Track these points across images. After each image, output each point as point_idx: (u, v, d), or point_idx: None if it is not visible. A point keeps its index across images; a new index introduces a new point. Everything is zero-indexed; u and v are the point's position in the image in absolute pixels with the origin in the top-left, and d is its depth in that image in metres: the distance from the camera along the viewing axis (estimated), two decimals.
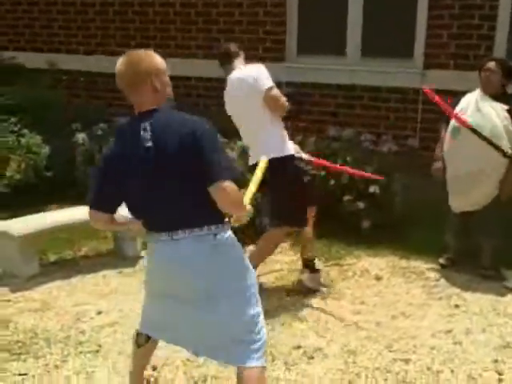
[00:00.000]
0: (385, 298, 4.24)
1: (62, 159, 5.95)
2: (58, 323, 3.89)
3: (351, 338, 3.74)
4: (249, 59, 4.26)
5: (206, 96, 6.86)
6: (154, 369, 3.43)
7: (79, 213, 4.54)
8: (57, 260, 4.87)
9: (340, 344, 3.68)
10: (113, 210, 2.61)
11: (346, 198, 5.00)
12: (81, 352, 3.57)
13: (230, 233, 2.63)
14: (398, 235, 5.14)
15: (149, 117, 2.48)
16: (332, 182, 5.05)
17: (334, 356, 3.56)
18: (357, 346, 3.66)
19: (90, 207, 2.59)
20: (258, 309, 2.71)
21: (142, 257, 4.83)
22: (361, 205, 4.97)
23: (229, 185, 2.42)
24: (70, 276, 4.57)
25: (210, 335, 2.64)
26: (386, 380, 3.35)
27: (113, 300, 4.20)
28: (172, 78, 2.63)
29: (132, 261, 4.78)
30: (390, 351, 3.62)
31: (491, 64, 4.35)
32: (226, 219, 2.61)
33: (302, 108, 6.18)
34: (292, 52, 6.65)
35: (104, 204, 2.58)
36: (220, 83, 4.38)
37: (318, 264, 4.56)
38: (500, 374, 3.40)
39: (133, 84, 2.50)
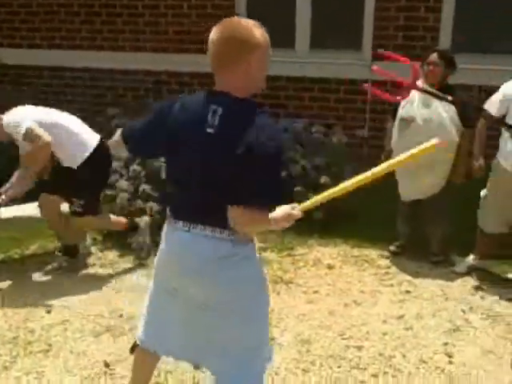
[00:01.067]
0: (337, 287, 4.28)
1: (3, 157, 5.77)
2: (5, 323, 3.79)
3: (305, 328, 3.76)
4: None
5: None
6: (107, 365, 3.38)
7: (27, 210, 4.44)
8: (4, 259, 4.74)
9: (294, 333, 3.69)
10: (134, 148, 2.54)
11: (298, 188, 5.01)
12: (30, 352, 3.49)
13: (252, 246, 2.42)
14: (350, 224, 5.19)
15: (225, 101, 2.22)
16: (283, 173, 5.04)
17: (288, 345, 3.57)
18: (310, 335, 3.68)
19: (122, 133, 2.51)
20: (262, 336, 2.57)
21: (92, 253, 4.76)
22: (312, 196, 4.97)
23: (266, 212, 2.22)
24: (18, 275, 4.45)
25: (209, 349, 2.49)
26: (339, 367, 3.38)
27: (62, 298, 4.11)
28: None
29: (80, 258, 4.68)
30: (343, 339, 3.65)
31: (433, 56, 4.40)
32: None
33: None
34: None
35: (133, 138, 2.48)
36: None
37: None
38: (450, 356, 3.47)
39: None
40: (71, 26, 7.15)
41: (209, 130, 2.20)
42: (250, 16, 6.62)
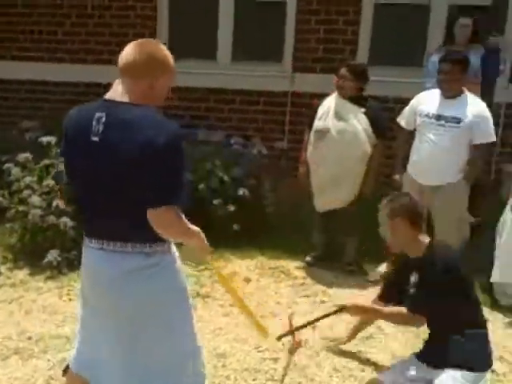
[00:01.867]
0: (254, 299, 4.26)
1: None
2: None
3: (220, 342, 3.73)
4: None
5: None
6: None
7: None
8: None
9: (209, 348, 3.65)
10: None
11: (216, 201, 4.99)
12: None
13: (171, 256, 2.38)
14: (267, 237, 5.20)
15: (111, 107, 2.19)
16: (201, 185, 5.02)
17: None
18: (226, 349, 3.65)
19: None
20: (188, 348, 2.47)
21: (1, 273, 4.58)
22: (231, 208, 4.98)
23: (168, 212, 2.16)
24: None
25: (128, 371, 2.38)
26: (254, 380, 3.37)
27: None
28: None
29: None
30: (259, 351, 3.64)
31: (343, 70, 4.48)
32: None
33: None
34: None
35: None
36: None
37: None
38: (363, 363, 3.51)
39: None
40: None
41: (94, 139, 2.17)
42: (172, 25, 6.60)
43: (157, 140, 2.07)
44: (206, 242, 2.49)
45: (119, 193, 2.17)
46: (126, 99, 2.21)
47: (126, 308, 2.32)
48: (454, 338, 2.97)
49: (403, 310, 3.07)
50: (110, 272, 2.29)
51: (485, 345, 3.07)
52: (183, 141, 2.18)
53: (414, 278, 3.12)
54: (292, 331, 3.49)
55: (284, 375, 3.42)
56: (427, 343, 3.18)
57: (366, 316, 3.46)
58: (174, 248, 2.44)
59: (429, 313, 3.00)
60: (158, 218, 2.15)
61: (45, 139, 4.85)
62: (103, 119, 2.16)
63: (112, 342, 2.38)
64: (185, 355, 2.46)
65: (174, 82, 2.35)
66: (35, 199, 4.62)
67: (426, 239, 3.14)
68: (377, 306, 3.28)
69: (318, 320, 3.51)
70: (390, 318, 3.28)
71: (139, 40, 2.30)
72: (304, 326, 3.51)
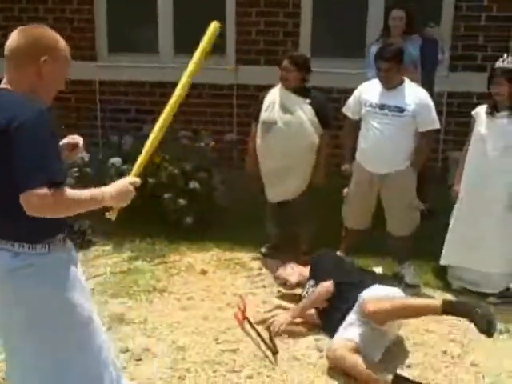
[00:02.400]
0: (211, 292, 4.28)
1: None
2: None
3: (179, 335, 3.73)
4: None
5: None
6: None
7: None
8: None
9: (168, 342, 3.65)
10: None
11: (167, 195, 4.97)
12: None
13: (46, 259, 2.17)
14: (221, 229, 5.21)
15: None
16: (151, 180, 4.99)
17: (163, 354, 3.52)
18: (185, 342, 3.65)
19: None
20: (67, 373, 2.24)
21: None
22: (182, 201, 4.97)
23: (37, 194, 1.98)
24: None
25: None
26: (215, 372, 3.38)
27: None
28: None
29: None
30: (218, 343, 3.66)
31: (285, 62, 4.52)
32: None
33: None
34: (103, 50, 6.49)
35: None
36: None
37: None
38: (321, 351, 3.57)
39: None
40: None
41: None
42: (110, 19, 6.53)
43: (20, 116, 2.01)
44: (124, 186, 2.32)
45: None
46: (14, 88, 2.15)
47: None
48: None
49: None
50: None
51: None
52: (48, 118, 2.07)
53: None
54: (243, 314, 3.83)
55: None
56: None
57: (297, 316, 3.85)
58: (67, 251, 2.28)
59: None
60: (29, 202, 1.99)
61: None
62: None
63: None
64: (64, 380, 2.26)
65: (67, 71, 2.26)
66: None
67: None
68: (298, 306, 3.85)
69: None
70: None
71: (23, 28, 2.20)
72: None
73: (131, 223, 5.06)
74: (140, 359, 3.48)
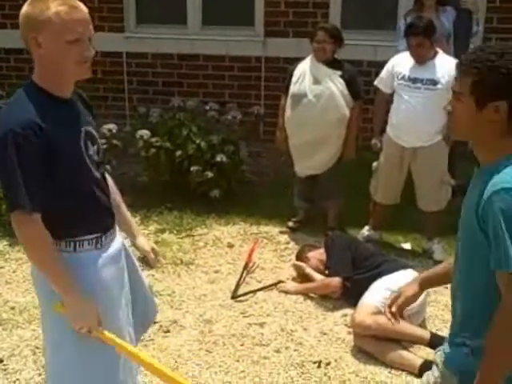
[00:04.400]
0: (238, 266, 4.27)
1: None
2: None
3: (206, 308, 3.74)
4: None
5: None
6: (0, 361, 3.22)
7: None
8: None
9: (196, 315, 3.67)
10: None
11: (194, 168, 4.94)
12: None
13: (70, 257, 2.13)
14: (248, 202, 5.18)
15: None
16: (178, 152, 4.97)
17: (190, 327, 3.54)
18: (212, 315, 3.66)
19: None
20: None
21: None
22: (209, 174, 4.94)
23: (12, 217, 1.96)
24: None
25: None
26: (242, 345, 3.39)
27: None
28: None
29: None
30: (245, 316, 3.66)
31: (321, 34, 4.43)
32: None
33: None
34: (131, 22, 6.44)
35: None
36: None
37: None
38: (349, 326, 3.55)
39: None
40: None
41: None
42: None
43: None
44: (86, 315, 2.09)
45: None
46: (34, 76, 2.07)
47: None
48: None
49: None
50: None
51: None
52: (15, 140, 1.89)
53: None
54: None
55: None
56: None
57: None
58: (102, 251, 2.19)
59: None
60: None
61: None
62: None
63: None
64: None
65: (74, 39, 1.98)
66: None
67: None
68: (303, 285, 3.98)
69: (258, 290, 3.95)
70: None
71: None
72: (246, 293, 3.90)
73: (158, 196, 5.10)
74: (168, 331, 3.50)
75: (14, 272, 4.15)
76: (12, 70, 6.58)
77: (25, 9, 1.99)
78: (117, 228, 2.33)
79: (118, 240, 2.31)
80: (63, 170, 2.02)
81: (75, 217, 2.08)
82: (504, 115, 1.64)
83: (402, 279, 3.50)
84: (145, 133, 5.14)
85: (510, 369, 1.63)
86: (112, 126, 5.19)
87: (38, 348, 3.28)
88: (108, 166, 4.69)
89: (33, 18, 1.96)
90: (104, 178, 2.25)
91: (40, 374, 3.08)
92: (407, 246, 4.59)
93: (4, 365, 3.20)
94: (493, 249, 1.60)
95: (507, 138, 1.67)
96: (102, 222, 2.20)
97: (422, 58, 4.19)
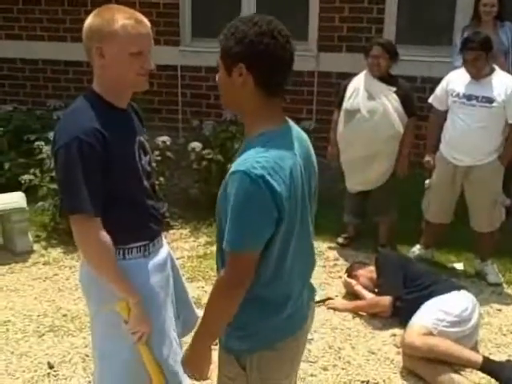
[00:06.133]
0: None
1: None
2: None
3: None
4: None
5: None
6: (51, 367, 3.29)
7: None
8: None
9: None
10: None
11: None
12: None
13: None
14: None
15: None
16: (230, 165, 4.99)
17: None
18: None
19: None
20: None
21: (35, 251, 4.61)
22: None
23: (71, 222, 2.03)
24: None
25: None
26: None
27: (3, 298, 3.98)
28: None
29: (23, 256, 4.53)
30: None
31: (377, 49, 4.41)
32: None
33: None
34: (186, 35, 6.54)
35: None
36: None
37: None
38: (398, 346, 3.49)
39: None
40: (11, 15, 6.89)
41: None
42: (194, 5, 6.57)
43: (58, 141, 2.02)
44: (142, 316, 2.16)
45: None
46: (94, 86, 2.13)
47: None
48: None
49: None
50: None
51: None
52: (80, 147, 1.96)
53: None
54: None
55: None
56: None
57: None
58: (150, 258, 2.23)
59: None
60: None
61: None
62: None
63: None
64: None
65: (146, 60, 2.06)
66: None
67: None
68: (353, 303, 3.96)
69: None
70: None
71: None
72: None
73: (209, 208, 5.11)
74: (216, 343, 3.49)
75: (67, 279, 4.24)
76: (71, 82, 6.75)
77: (90, 20, 2.06)
78: (163, 237, 2.38)
79: (165, 248, 2.36)
80: (117, 178, 2.07)
81: (125, 224, 2.12)
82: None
83: (455, 300, 3.45)
84: (197, 145, 5.21)
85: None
86: (166, 138, 5.26)
87: (87, 356, 3.33)
88: (162, 178, 4.79)
89: (99, 29, 2.02)
90: (153, 188, 2.29)
91: (89, 382, 3.13)
92: (459, 266, 4.50)
93: (55, 371, 3.26)
94: None
95: None
96: (149, 229, 2.24)
97: (478, 73, 4.11)
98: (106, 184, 2.03)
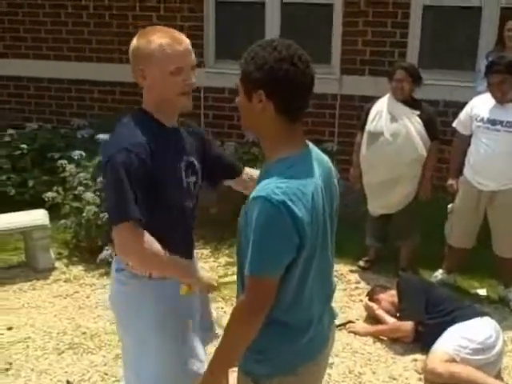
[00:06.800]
0: None
1: None
2: None
3: None
4: None
5: None
6: None
7: None
8: None
9: None
10: None
11: None
12: None
13: (144, 285, 2.19)
14: None
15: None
16: None
17: None
18: None
19: None
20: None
21: (56, 268, 4.64)
22: None
23: (117, 231, 2.01)
24: None
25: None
26: None
27: (24, 314, 3.99)
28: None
29: (45, 273, 4.55)
30: None
31: (400, 73, 4.41)
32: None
33: None
34: (210, 57, 6.61)
35: None
36: None
37: None
38: (420, 373, 3.45)
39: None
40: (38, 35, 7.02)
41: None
42: (218, 27, 6.63)
43: (105, 154, 2.08)
44: (195, 277, 2.26)
45: None
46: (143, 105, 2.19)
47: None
48: None
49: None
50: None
51: None
52: (127, 157, 1.99)
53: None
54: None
55: None
56: None
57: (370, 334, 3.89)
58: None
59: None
60: (114, 238, 2.05)
61: (102, 137, 4.88)
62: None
63: None
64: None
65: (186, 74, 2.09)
66: (89, 196, 4.65)
67: None
68: (374, 327, 3.92)
69: None
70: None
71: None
72: None
73: (229, 228, 5.12)
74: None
75: (87, 297, 4.25)
76: (95, 101, 6.84)
77: (133, 42, 2.11)
78: (195, 256, 2.41)
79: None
80: (161, 195, 2.08)
81: (161, 240, 2.10)
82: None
83: (478, 327, 3.40)
84: None
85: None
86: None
87: (106, 374, 3.33)
88: None
89: (138, 52, 2.08)
90: (193, 211, 2.30)
91: None
92: (483, 292, 4.44)
93: None
94: None
95: None
96: (184, 249, 2.24)
97: (504, 97, 4.08)
98: (150, 194, 2.05)
